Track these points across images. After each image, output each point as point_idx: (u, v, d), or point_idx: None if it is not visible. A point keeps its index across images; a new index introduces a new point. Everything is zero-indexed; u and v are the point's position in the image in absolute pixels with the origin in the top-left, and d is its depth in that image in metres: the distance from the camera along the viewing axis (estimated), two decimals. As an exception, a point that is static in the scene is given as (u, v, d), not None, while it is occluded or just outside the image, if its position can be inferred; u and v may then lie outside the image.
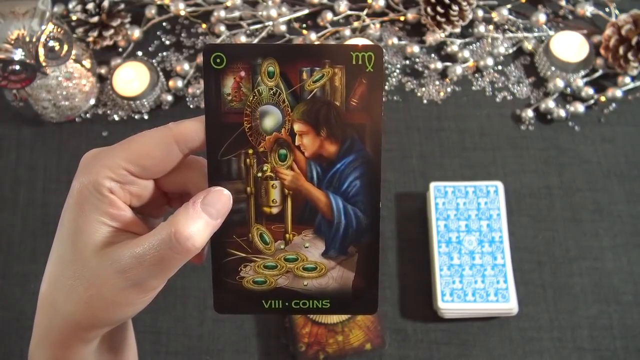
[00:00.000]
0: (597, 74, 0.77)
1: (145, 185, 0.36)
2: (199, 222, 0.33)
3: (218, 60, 0.34)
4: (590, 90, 0.76)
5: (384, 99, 0.76)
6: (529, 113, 0.75)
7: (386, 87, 0.78)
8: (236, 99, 0.35)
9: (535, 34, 0.80)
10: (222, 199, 0.35)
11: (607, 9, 0.80)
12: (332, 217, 0.36)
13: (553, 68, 0.76)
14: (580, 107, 0.75)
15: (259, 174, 0.36)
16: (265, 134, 0.35)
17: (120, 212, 0.35)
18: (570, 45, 0.76)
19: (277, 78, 0.35)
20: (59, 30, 0.70)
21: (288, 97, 0.35)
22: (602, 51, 0.77)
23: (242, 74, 0.34)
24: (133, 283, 0.33)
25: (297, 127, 0.35)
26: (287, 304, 0.37)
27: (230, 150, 0.35)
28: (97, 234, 0.34)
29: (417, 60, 0.80)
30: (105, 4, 0.78)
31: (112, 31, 0.78)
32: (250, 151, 0.35)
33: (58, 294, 0.35)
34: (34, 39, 0.67)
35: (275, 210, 0.36)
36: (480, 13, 0.80)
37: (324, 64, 0.34)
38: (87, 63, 0.76)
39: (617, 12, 0.80)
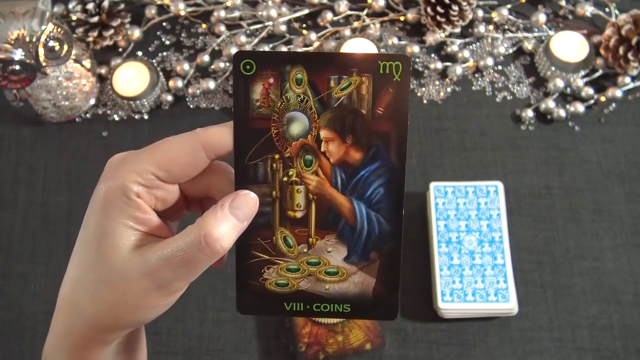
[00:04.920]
0: (597, 74, 0.77)
1: (171, 189, 0.36)
2: (226, 224, 0.33)
3: (248, 67, 0.35)
4: (590, 90, 0.76)
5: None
6: (529, 113, 0.75)
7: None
8: (264, 105, 0.35)
9: (535, 34, 0.80)
10: (249, 202, 0.35)
11: (607, 9, 0.80)
12: (355, 223, 0.37)
13: (553, 68, 0.76)
14: (580, 107, 0.75)
15: (285, 179, 0.36)
16: (291, 140, 0.36)
17: (147, 216, 0.35)
18: (570, 45, 0.76)
19: (304, 85, 0.35)
20: (59, 30, 0.70)
21: (315, 104, 0.35)
22: (602, 51, 0.77)
23: (271, 80, 0.35)
24: (159, 285, 0.34)
25: (323, 133, 0.36)
26: (308, 306, 0.38)
27: (257, 154, 0.36)
28: (124, 237, 0.34)
29: (417, 60, 0.80)
30: (105, 4, 0.77)
31: (112, 31, 0.78)
32: (277, 156, 0.36)
33: (81, 296, 0.35)
34: (34, 39, 0.67)
35: (299, 215, 0.37)
36: (480, 13, 0.80)
37: (351, 72, 0.35)
38: (87, 63, 0.76)
39: (617, 12, 0.80)
